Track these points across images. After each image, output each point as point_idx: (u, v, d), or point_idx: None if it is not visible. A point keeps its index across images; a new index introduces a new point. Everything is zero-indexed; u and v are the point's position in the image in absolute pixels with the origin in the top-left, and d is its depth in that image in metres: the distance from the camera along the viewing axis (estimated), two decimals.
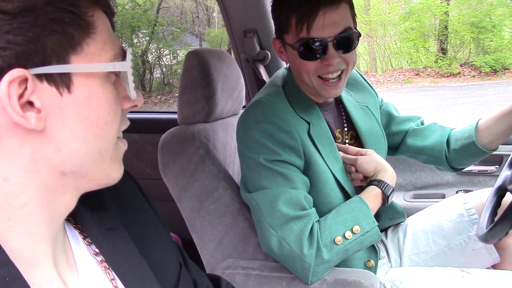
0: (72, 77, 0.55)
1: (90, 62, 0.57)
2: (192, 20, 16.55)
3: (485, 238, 1.34)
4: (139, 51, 12.97)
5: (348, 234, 1.28)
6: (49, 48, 0.53)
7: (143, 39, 13.38)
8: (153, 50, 13.51)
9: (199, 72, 1.54)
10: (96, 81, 0.57)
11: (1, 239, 0.55)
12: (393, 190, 1.38)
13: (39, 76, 0.53)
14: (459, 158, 1.61)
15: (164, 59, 13.81)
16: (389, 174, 1.39)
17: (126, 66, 0.60)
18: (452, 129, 1.66)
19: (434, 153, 1.63)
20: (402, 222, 1.72)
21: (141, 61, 12.97)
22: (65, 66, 0.54)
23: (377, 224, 1.32)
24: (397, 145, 1.72)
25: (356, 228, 1.29)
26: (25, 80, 0.52)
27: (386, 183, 1.36)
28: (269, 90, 1.43)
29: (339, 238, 1.28)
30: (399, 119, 1.73)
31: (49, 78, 0.54)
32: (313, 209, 1.33)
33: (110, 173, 0.64)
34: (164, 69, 13.66)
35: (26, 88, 0.52)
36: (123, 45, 0.62)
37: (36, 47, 0.52)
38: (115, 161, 0.64)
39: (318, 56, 1.29)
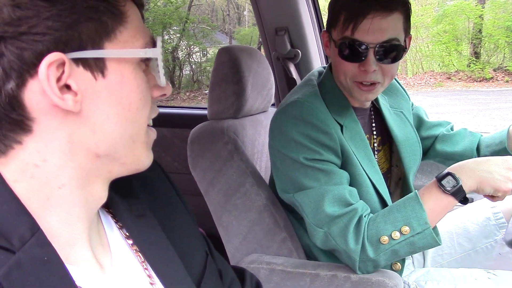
0: (106, 62, 0.58)
1: (123, 49, 0.60)
2: (222, 18, 16.61)
3: None
4: (170, 48, 13.09)
5: (396, 234, 1.24)
6: (85, 34, 0.56)
7: (174, 36, 13.49)
8: (184, 47, 13.62)
9: (230, 68, 1.56)
10: (129, 67, 0.60)
11: (40, 218, 0.57)
12: (464, 195, 1.24)
13: (76, 61, 0.56)
14: None
15: (194, 56, 13.89)
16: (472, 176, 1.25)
17: (156, 53, 0.63)
18: (481, 135, 1.63)
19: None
20: None
21: (172, 58, 13.08)
22: (100, 51, 0.57)
23: (432, 226, 1.24)
24: (426, 150, 1.70)
25: (405, 229, 1.23)
26: (62, 64, 0.55)
27: (458, 184, 1.23)
28: (306, 89, 1.41)
29: (385, 238, 1.24)
30: (429, 124, 1.72)
31: (85, 63, 0.57)
32: (360, 202, 1.31)
33: (141, 158, 0.66)
34: (193, 66, 13.75)
35: (63, 72, 0.55)
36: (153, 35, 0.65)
37: (73, 32, 0.55)
38: (145, 147, 0.67)
39: (356, 59, 1.28)
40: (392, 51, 1.27)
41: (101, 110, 0.59)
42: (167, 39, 13.30)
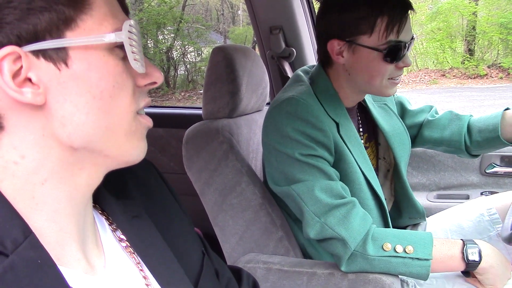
0: (69, 52, 0.56)
1: (88, 36, 0.56)
2: (217, 18, 16.60)
3: (508, 239, 1.33)
4: (164, 48, 13.08)
5: (399, 248, 1.25)
6: (40, 25, 0.53)
7: (169, 36, 13.48)
8: (178, 47, 13.61)
9: (224, 67, 1.55)
10: (97, 54, 0.57)
11: (28, 219, 0.56)
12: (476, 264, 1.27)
13: (35, 53, 0.54)
14: (480, 149, 1.61)
15: (188, 56, 13.88)
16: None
17: (121, 37, 0.58)
18: (471, 117, 1.64)
19: (453, 144, 1.63)
20: (421, 222, 1.71)
21: (166, 58, 13.07)
22: (58, 41, 0.55)
23: (431, 261, 1.25)
24: (413, 138, 1.71)
25: (409, 248, 1.25)
26: (19, 57, 0.53)
27: (476, 250, 1.27)
28: (299, 88, 1.41)
29: (388, 245, 1.25)
30: (412, 112, 1.73)
31: (45, 54, 0.55)
32: (354, 198, 1.33)
33: (129, 150, 0.62)
34: (188, 66, 13.73)
35: (22, 65, 0.54)
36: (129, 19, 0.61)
37: (27, 25, 0.53)
38: (134, 138, 0.63)
39: (398, 58, 1.31)
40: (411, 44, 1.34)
41: (69, 101, 0.56)
42: (161, 39, 13.30)
